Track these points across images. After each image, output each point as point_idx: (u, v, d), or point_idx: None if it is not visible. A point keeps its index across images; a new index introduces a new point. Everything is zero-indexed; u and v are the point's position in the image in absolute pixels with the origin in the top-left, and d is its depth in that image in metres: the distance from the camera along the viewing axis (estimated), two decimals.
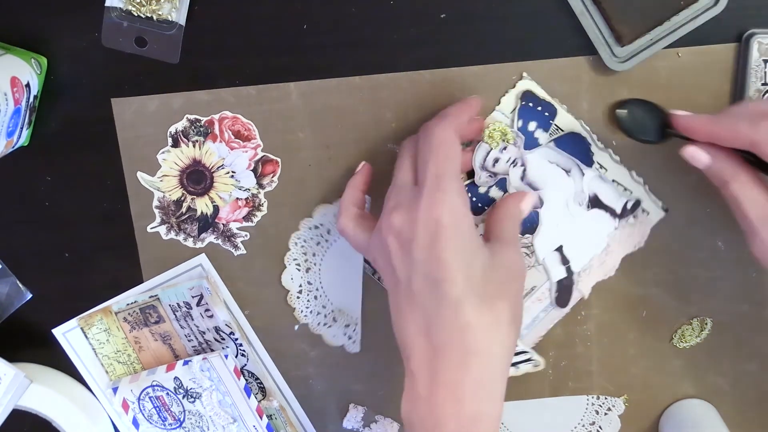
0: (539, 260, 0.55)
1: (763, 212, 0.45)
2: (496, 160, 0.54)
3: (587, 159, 0.54)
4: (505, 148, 0.53)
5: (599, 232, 0.55)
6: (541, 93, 0.53)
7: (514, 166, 0.54)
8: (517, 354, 0.57)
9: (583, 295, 0.56)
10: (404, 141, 0.51)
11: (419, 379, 0.44)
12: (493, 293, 0.45)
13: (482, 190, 0.55)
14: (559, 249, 0.55)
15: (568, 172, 0.54)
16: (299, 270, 0.57)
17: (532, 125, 0.53)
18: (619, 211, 0.54)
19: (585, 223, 0.55)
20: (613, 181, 0.54)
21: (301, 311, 0.58)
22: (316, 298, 0.58)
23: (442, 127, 0.47)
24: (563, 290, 0.56)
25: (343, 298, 0.58)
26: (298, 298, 0.58)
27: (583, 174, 0.54)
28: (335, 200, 0.56)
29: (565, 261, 0.55)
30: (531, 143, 0.54)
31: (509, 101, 0.53)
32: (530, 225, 0.55)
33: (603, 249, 0.55)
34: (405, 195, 0.46)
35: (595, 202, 0.54)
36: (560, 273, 0.56)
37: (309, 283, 0.57)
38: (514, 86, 0.53)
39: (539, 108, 0.53)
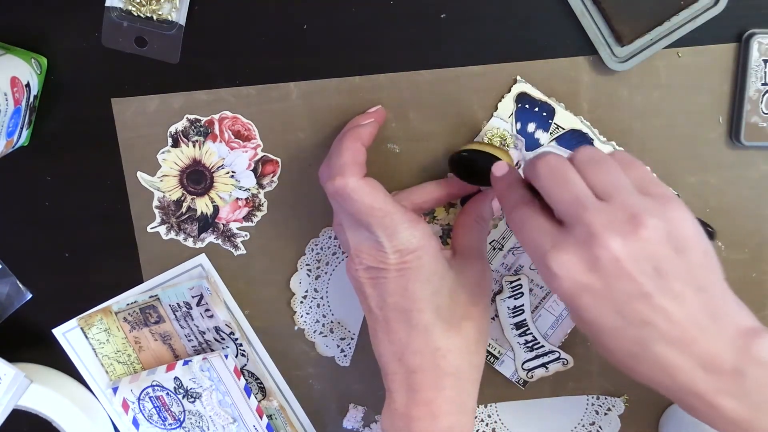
0: None
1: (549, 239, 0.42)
2: None
3: None
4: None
5: None
6: (536, 94, 0.53)
7: (518, 169, 0.54)
8: (545, 354, 0.57)
9: None
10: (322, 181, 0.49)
11: (397, 398, 0.48)
12: (460, 315, 0.48)
13: None
14: None
15: None
16: (309, 276, 0.57)
17: (531, 126, 0.53)
18: None
19: None
20: None
21: (301, 316, 0.58)
22: (318, 306, 0.58)
23: (352, 190, 0.46)
24: None
25: (345, 311, 0.58)
26: (301, 302, 0.58)
27: None
28: None
29: None
30: (532, 144, 0.54)
31: (506, 106, 0.53)
32: None
33: None
34: (362, 236, 0.48)
35: None
36: None
37: (315, 290, 0.57)
38: (509, 91, 0.53)
39: (536, 109, 0.53)
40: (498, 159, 0.49)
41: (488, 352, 0.57)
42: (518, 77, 0.53)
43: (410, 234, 0.46)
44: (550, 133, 0.54)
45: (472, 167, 0.51)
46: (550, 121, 0.53)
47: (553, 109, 0.53)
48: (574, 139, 0.54)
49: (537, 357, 0.57)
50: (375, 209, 0.46)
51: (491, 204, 0.53)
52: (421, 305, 0.47)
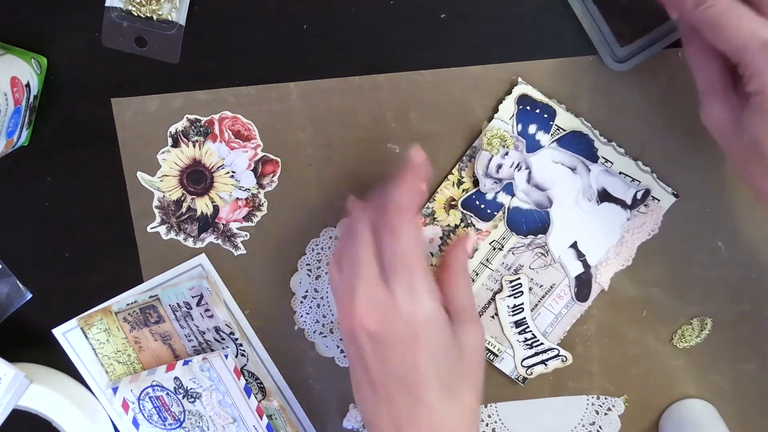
0: (555, 258, 0.55)
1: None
2: (500, 166, 0.54)
3: (591, 155, 0.54)
4: (506, 154, 0.53)
5: (612, 225, 0.55)
6: (537, 95, 0.53)
7: (518, 170, 0.54)
8: (545, 351, 0.57)
9: (603, 287, 0.56)
10: (356, 211, 0.48)
11: None
12: (461, 386, 0.47)
13: (489, 196, 0.55)
14: (574, 245, 0.55)
15: (573, 170, 0.54)
16: (309, 276, 0.57)
17: (532, 128, 0.53)
18: (629, 202, 0.54)
19: (597, 217, 0.55)
20: (621, 173, 0.54)
21: (301, 316, 0.58)
22: (318, 306, 0.58)
23: (407, 230, 0.45)
24: (582, 285, 0.56)
25: None
26: (301, 302, 0.58)
27: (589, 170, 0.54)
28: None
29: (580, 256, 0.55)
30: (533, 146, 0.54)
31: (507, 107, 0.53)
32: (542, 225, 0.55)
33: (618, 240, 0.55)
34: (376, 292, 0.45)
35: (604, 196, 0.54)
36: (577, 268, 0.56)
37: (315, 290, 0.57)
38: (510, 92, 0.53)
39: (537, 110, 0.53)
40: None
41: (488, 349, 0.57)
42: (519, 79, 0.53)
43: (428, 301, 0.45)
44: (551, 135, 0.54)
45: None
46: (551, 123, 0.53)
47: (554, 110, 0.53)
48: (574, 140, 0.54)
49: (536, 354, 0.57)
50: (416, 256, 0.45)
51: (467, 248, 0.53)
52: (427, 379, 0.45)
